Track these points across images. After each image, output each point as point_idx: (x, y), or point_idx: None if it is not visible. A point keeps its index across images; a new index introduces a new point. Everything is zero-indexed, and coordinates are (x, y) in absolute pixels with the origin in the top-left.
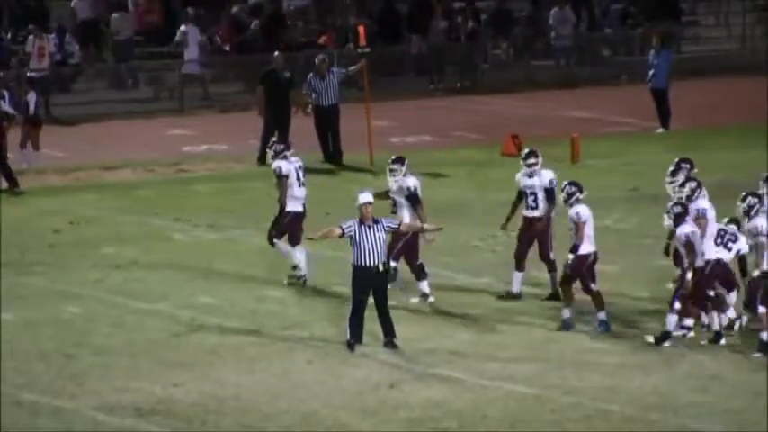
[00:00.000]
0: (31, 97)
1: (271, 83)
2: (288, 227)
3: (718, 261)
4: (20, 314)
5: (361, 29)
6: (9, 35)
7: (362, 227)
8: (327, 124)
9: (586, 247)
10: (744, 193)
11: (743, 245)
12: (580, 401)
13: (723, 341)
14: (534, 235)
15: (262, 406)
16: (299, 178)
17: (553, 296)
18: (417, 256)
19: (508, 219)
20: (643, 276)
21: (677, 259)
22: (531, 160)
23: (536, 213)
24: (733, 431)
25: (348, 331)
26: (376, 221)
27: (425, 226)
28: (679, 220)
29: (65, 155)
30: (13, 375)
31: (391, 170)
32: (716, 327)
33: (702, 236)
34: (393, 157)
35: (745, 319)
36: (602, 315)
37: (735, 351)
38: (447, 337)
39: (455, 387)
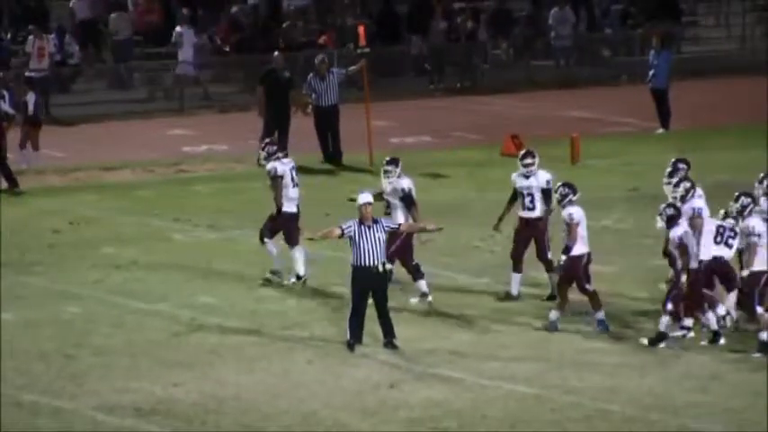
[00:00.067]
0: (30, 97)
1: (270, 83)
2: (284, 228)
3: (716, 258)
4: (20, 314)
5: (361, 29)
6: (9, 35)
7: (362, 227)
8: (327, 124)
9: (580, 248)
10: (737, 194)
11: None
12: (580, 401)
13: (722, 340)
14: (532, 235)
15: (262, 406)
16: (293, 179)
17: (553, 296)
18: (412, 256)
19: (501, 218)
20: (643, 277)
21: (671, 260)
22: (528, 160)
23: (532, 214)
24: (733, 431)
25: (348, 331)
26: (376, 222)
27: (427, 226)
28: (671, 221)
29: (64, 155)
30: (13, 376)
31: (385, 171)
32: (714, 326)
33: (699, 236)
34: (387, 159)
35: (734, 315)
36: (600, 315)
37: (734, 351)
38: (447, 337)
39: (455, 387)
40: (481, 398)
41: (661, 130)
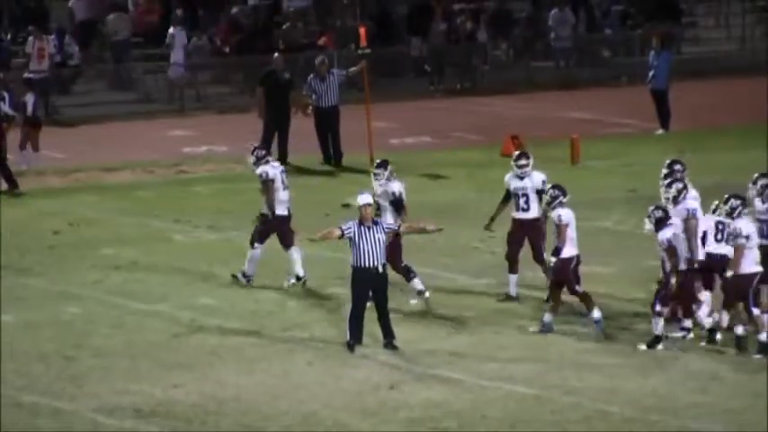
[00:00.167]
0: (29, 98)
1: (271, 84)
2: (277, 231)
3: (716, 256)
4: (20, 315)
5: (362, 30)
6: (9, 36)
7: (362, 228)
8: (327, 126)
9: (569, 251)
10: (726, 195)
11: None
12: (580, 402)
13: (719, 336)
14: (525, 236)
15: (262, 407)
16: (283, 182)
17: None
18: (401, 258)
19: (492, 219)
20: (642, 278)
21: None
22: (523, 161)
23: (527, 215)
24: None
25: (348, 332)
26: (375, 223)
27: (427, 227)
28: (660, 224)
29: (64, 156)
30: (13, 377)
31: (375, 174)
32: (706, 324)
33: (694, 236)
34: (377, 161)
35: (717, 316)
36: (595, 314)
37: (734, 352)
38: (446, 338)
39: (455, 388)
40: (481, 399)
41: (661, 131)
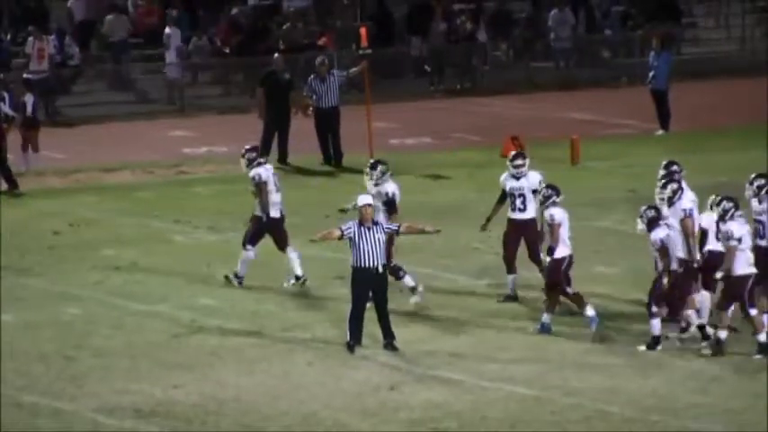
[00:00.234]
0: (29, 99)
1: (271, 85)
2: (271, 233)
3: (712, 253)
4: (20, 316)
5: (363, 30)
6: (9, 36)
7: (362, 229)
8: (327, 126)
9: (562, 251)
10: (719, 198)
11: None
12: (580, 403)
13: (710, 330)
14: (521, 236)
15: (262, 407)
16: (275, 184)
17: None
18: (391, 258)
19: (488, 219)
20: (642, 278)
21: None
22: (519, 162)
23: (523, 216)
24: None
25: (348, 333)
26: (375, 223)
27: (425, 227)
28: (652, 224)
29: (65, 156)
30: (13, 377)
31: (366, 174)
32: (695, 323)
33: (691, 236)
34: (370, 161)
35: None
36: (589, 312)
37: (734, 353)
38: (447, 338)
39: (455, 389)
40: (481, 399)
41: (661, 132)
